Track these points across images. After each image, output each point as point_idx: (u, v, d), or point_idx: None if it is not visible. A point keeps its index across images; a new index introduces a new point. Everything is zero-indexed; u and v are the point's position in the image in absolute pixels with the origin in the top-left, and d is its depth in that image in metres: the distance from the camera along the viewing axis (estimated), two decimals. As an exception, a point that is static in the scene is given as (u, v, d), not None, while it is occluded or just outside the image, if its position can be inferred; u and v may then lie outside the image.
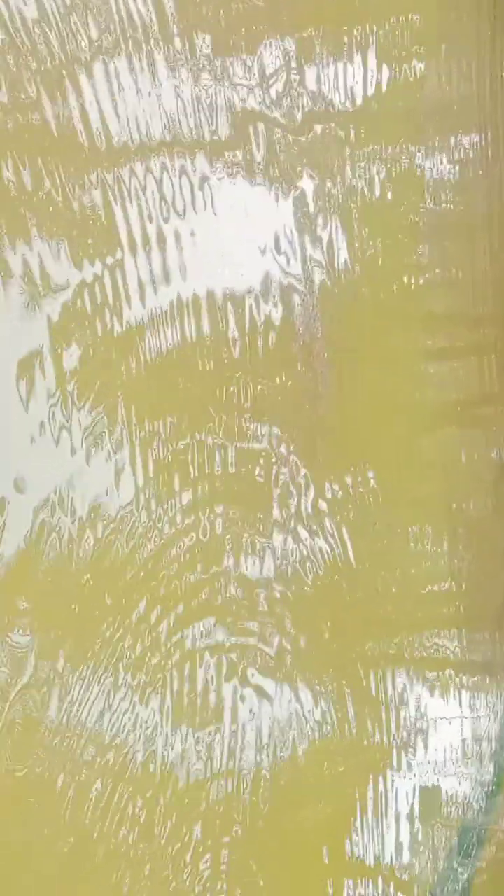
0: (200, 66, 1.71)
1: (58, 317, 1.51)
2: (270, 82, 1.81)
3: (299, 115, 1.87)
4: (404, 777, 2.13)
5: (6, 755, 1.48)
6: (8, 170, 1.46)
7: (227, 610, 1.85)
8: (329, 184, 1.93)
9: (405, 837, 2.13)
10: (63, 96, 1.50)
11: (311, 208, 1.92)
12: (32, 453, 1.49)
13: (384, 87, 2.00)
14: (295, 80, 1.86)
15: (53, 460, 1.52)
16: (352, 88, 1.95)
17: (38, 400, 1.50)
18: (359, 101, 1.97)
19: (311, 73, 1.89)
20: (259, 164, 1.81)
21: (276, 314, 1.87)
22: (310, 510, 1.94)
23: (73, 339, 1.54)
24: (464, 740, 2.25)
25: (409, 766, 2.13)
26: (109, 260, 1.59)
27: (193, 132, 1.70)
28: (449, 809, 2.24)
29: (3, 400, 1.45)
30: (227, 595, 1.84)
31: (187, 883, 1.84)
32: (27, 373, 1.48)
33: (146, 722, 1.72)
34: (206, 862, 1.86)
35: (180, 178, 1.70)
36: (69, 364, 1.53)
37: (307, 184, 1.90)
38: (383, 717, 2.08)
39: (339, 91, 1.93)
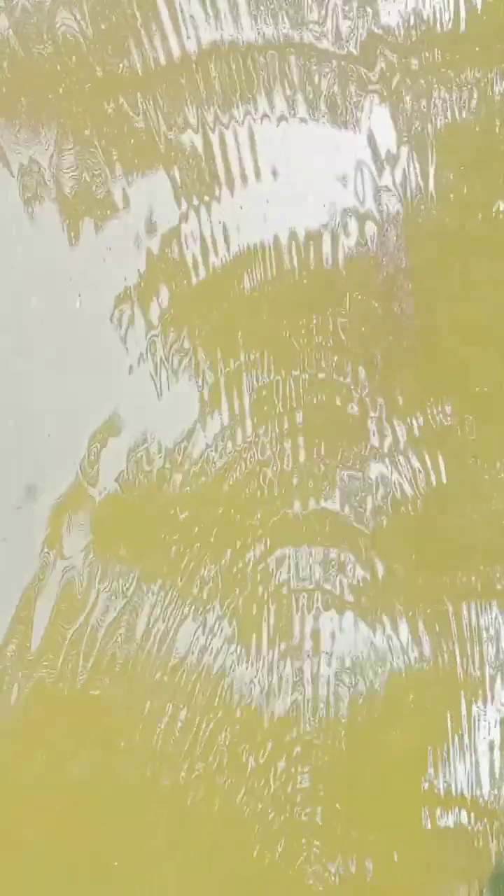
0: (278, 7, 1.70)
1: (152, 255, 1.52)
2: (342, 18, 1.79)
3: (371, 46, 1.85)
4: (490, 708, 2.13)
5: (85, 676, 1.51)
6: (111, 108, 1.47)
7: (314, 540, 1.86)
8: (410, 114, 1.91)
9: (490, 767, 2.13)
10: (168, 55, 1.51)
11: (392, 140, 1.90)
12: (128, 387, 1.51)
13: (474, 9, 1.97)
14: (369, 13, 1.84)
15: (147, 395, 1.54)
16: (435, 13, 1.92)
17: (133, 336, 1.51)
18: (443, 26, 1.94)
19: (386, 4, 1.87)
20: (336, 98, 1.80)
21: (359, 247, 1.86)
22: (393, 442, 1.93)
23: (165, 276, 1.54)
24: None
25: (495, 696, 2.13)
26: (199, 200, 1.59)
27: (271, 73, 1.70)
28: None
29: (101, 335, 1.47)
30: (313, 526, 1.85)
31: (274, 810, 1.86)
32: (123, 309, 1.49)
33: (233, 650, 1.74)
34: (293, 790, 1.89)
35: (261, 120, 1.69)
36: (161, 301, 1.54)
37: (385, 115, 1.88)
38: (469, 649, 2.08)
39: (421, 16, 1.91)
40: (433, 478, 1.98)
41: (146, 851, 1.65)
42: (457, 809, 2.07)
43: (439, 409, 1.98)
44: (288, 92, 1.74)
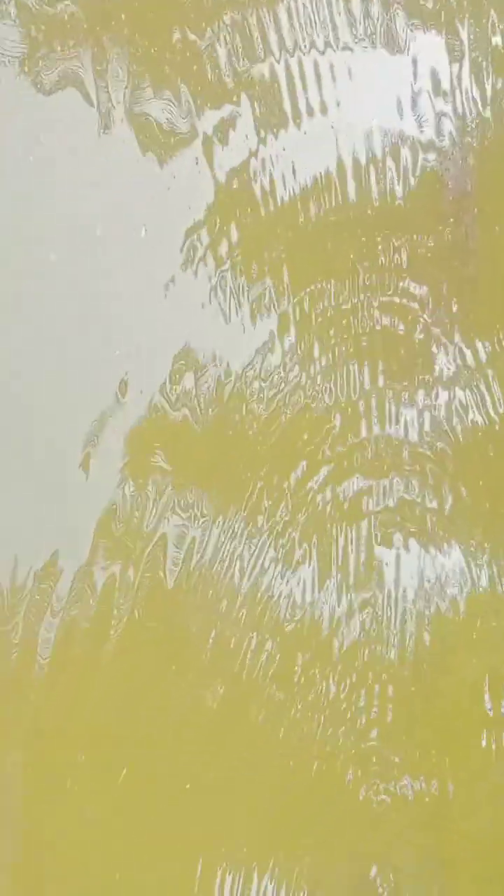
0: None
1: (220, 186, 1.53)
2: None
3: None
4: None
5: (146, 605, 1.52)
6: (179, 40, 1.46)
7: (377, 469, 1.86)
8: (468, 38, 1.90)
9: None
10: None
11: (451, 66, 1.88)
12: (197, 317, 1.52)
13: None
14: None
15: (216, 324, 1.54)
16: None
17: (203, 266, 1.52)
18: None
19: None
20: (394, 26, 1.79)
21: (425, 172, 1.85)
22: (458, 368, 1.93)
23: (233, 207, 1.55)
24: None
25: None
26: (266, 132, 1.59)
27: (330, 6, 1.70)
28: None
29: (171, 266, 1.47)
30: (376, 454, 1.86)
31: (343, 739, 1.88)
32: (193, 239, 1.49)
33: (301, 578, 1.75)
34: (362, 714, 1.91)
35: (325, 50, 1.69)
36: (229, 233, 1.55)
37: (441, 42, 1.87)
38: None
39: None
40: (500, 404, 1.98)
41: (216, 776, 1.67)
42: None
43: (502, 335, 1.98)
44: (348, 21, 1.74)
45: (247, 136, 1.58)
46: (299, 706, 1.80)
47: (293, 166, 1.65)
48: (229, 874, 1.71)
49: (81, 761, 1.49)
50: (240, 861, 1.72)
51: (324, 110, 1.70)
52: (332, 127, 1.71)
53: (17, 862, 1.42)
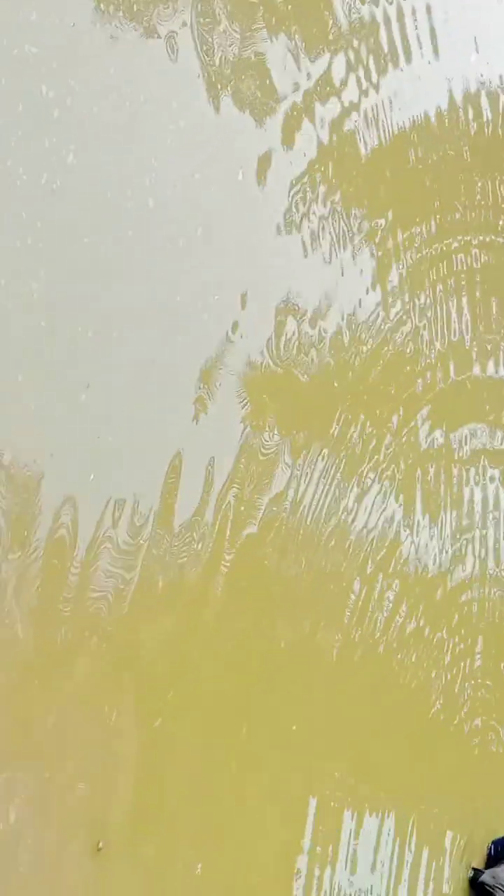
0: None
1: (323, 129, 1.53)
2: None
3: None
4: None
5: (263, 545, 1.54)
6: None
7: (479, 410, 1.86)
8: None
9: None
10: None
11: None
12: (300, 266, 1.52)
13: None
14: None
15: (317, 270, 1.55)
16: None
17: (278, 193, 1.51)
18: None
19: None
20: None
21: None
22: None
23: (335, 150, 1.55)
24: None
25: None
26: (369, 76, 1.59)
27: None
28: None
29: (248, 195, 1.47)
30: (480, 392, 1.86)
31: (450, 671, 1.90)
32: (268, 170, 1.49)
33: (403, 518, 1.76)
34: (466, 654, 1.92)
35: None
36: (331, 176, 1.55)
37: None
38: None
39: None
40: None
41: (325, 715, 1.69)
42: None
43: None
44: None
45: (351, 81, 1.57)
46: (409, 649, 1.81)
47: (394, 110, 1.64)
48: (347, 809, 1.74)
49: (204, 704, 1.51)
50: (351, 799, 1.75)
51: (426, 54, 1.69)
52: (432, 70, 1.70)
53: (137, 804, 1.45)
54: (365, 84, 1.58)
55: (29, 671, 1.24)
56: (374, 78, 1.60)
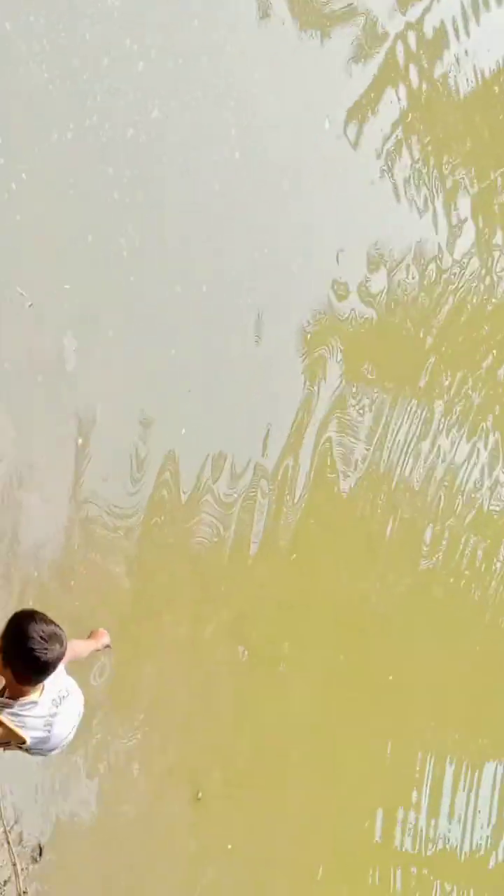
0: None
1: (415, 76, 1.51)
2: None
3: None
4: None
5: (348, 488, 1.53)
6: None
7: None
8: None
9: None
10: None
11: None
12: (390, 213, 1.51)
13: None
14: None
15: (407, 218, 1.54)
16: None
17: (365, 146, 1.50)
18: None
19: None
20: None
21: None
22: None
23: (425, 98, 1.53)
24: None
25: None
26: (464, 20, 1.57)
27: None
28: None
29: (337, 149, 1.47)
30: None
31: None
32: (356, 119, 1.48)
33: (488, 464, 1.74)
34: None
35: None
36: (420, 124, 1.53)
37: None
38: None
39: None
40: None
41: (413, 663, 1.70)
42: None
43: None
44: None
45: (444, 26, 1.55)
46: (483, 593, 1.80)
47: (486, 53, 1.61)
48: (429, 758, 1.74)
49: (290, 653, 1.52)
50: (435, 747, 1.75)
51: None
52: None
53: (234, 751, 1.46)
54: (460, 27, 1.56)
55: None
56: (469, 24, 1.58)
